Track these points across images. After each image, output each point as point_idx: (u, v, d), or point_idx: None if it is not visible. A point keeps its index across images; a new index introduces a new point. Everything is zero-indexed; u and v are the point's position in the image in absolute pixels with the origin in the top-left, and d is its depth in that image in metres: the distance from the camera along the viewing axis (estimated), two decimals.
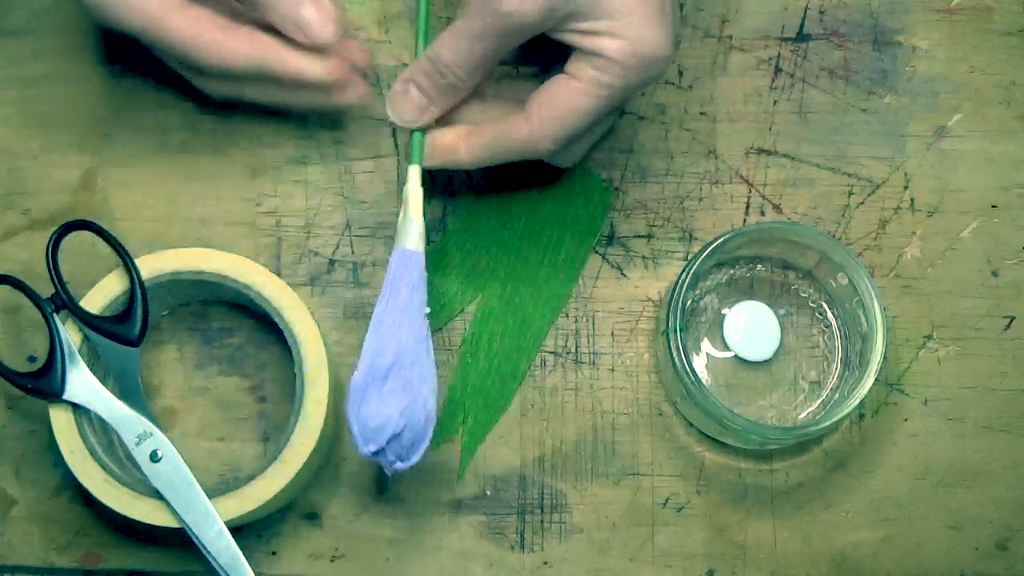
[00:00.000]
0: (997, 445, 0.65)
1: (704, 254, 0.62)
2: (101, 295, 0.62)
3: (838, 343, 0.65)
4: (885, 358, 0.62)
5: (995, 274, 0.67)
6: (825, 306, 0.66)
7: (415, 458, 0.59)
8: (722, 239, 0.62)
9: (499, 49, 0.58)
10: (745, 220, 0.67)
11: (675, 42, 0.59)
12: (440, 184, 0.67)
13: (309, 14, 0.60)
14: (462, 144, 0.61)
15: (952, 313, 0.66)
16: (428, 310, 0.60)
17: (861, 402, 0.61)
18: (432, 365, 0.60)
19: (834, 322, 0.65)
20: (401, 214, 0.61)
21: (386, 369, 0.59)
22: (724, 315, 0.65)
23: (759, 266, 0.66)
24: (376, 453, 0.58)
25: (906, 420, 0.65)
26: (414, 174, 0.62)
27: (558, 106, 0.59)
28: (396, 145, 0.67)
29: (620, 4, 0.57)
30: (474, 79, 0.60)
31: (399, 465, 0.59)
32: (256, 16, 0.61)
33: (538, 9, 0.56)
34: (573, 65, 0.59)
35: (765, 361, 0.65)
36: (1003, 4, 0.69)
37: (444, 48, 0.59)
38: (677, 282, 0.62)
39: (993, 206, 0.67)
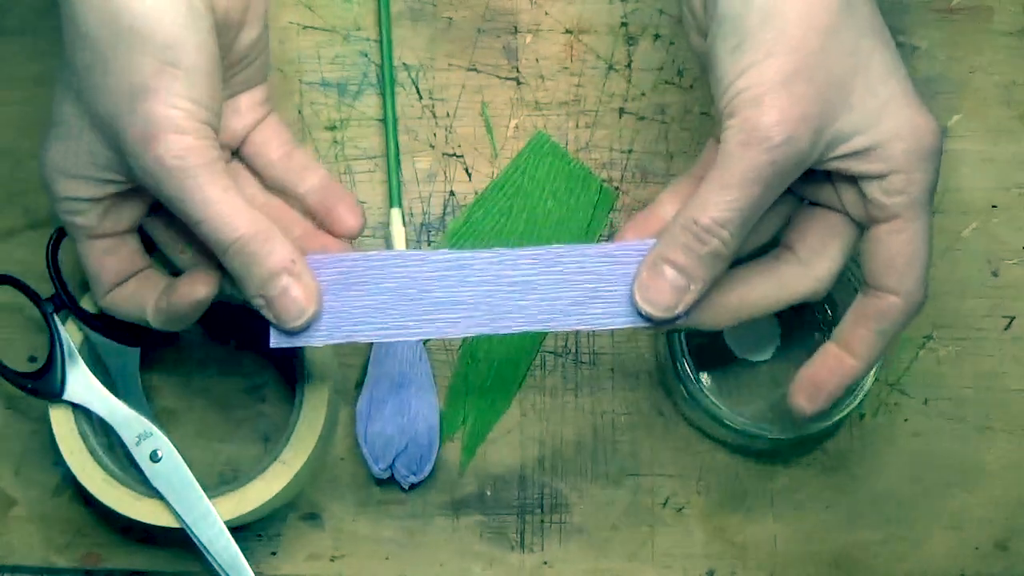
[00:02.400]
0: (997, 445, 0.65)
1: None
2: None
3: None
4: (885, 358, 0.62)
5: (995, 274, 0.67)
6: (825, 306, 0.66)
7: (426, 470, 0.63)
8: None
9: (770, 194, 0.48)
10: None
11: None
12: (440, 185, 0.67)
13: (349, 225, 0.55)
14: None
15: (952, 313, 0.66)
16: None
17: (861, 402, 0.61)
18: (431, 385, 0.64)
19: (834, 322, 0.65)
20: None
21: (385, 393, 0.63)
22: None
23: None
24: (388, 470, 0.63)
25: (906, 420, 0.65)
26: (396, 216, 0.65)
27: (899, 253, 0.50)
28: (389, 150, 0.67)
29: (877, 102, 0.48)
30: (741, 240, 0.49)
31: (412, 479, 0.63)
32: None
33: (809, 133, 0.47)
34: (852, 205, 0.51)
35: (765, 361, 0.65)
36: (1003, 4, 0.69)
37: (702, 207, 0.48)
38: None
39: (993, 206, 0.67)
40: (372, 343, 0.64)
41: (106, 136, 0.51)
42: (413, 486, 0.64)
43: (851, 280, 0.63)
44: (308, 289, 0.51)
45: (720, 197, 0.47)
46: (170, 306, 0.54)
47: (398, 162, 0.67)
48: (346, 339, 0.52)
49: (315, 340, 0.52)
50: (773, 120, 0.46)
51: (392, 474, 0.63)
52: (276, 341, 0.53)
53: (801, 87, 0.46)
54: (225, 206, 0.50)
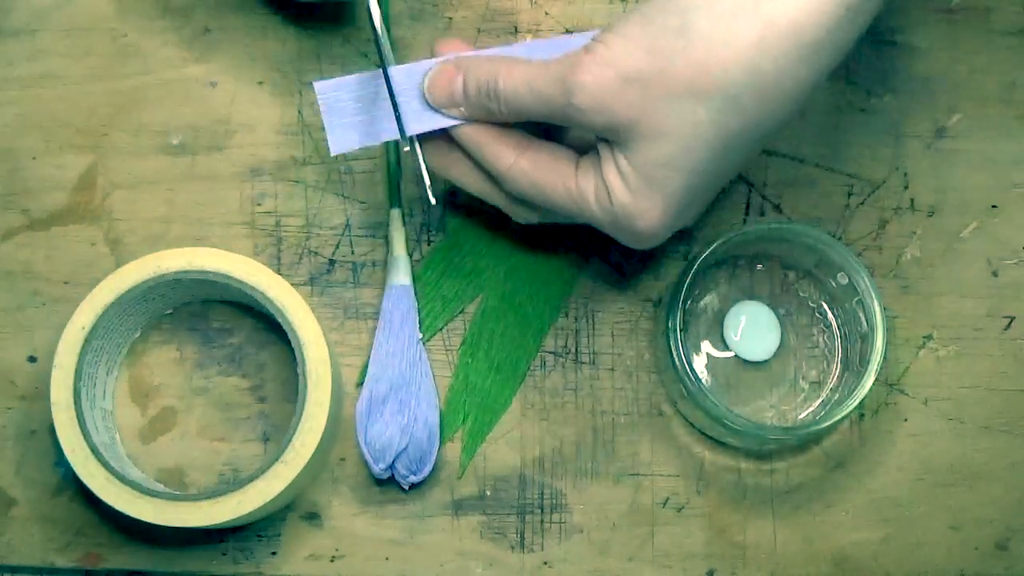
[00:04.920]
0: (997, 445, 0.65)
1: (704, 254, 0.62)
2: (101, 297, 0.62)
3: (838, 343, 0.65)
4: (885, 358, 0.62)
5: (995, 274, 0.67)
6: (825, 306, 0.66)
7: (426, 471, 0.64)
8: (722, 239, 0.62)
9: (547, 116, 0.57)
10: (745, 220, 0.67)
11: (679, 222, 0.58)
12: (440, 185, 0.67)
13: None
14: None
15: (952, 313, 0.66)
16: (421, 335, 0.65)
17: (861, 402, 0.61)
18: (431, 384, 0.65)
19: (834, 322, 0.66)
20: (388, 253, 0.65)
21: (385, 393, 0.64)
22: (724, 315, 0.65)
23: (759, 266, 0.66)
24: (388, 470, 0.63)
25: (906, 420, 0.65)
26: (395, 216, 0.66)
27: (544, 174, 0.58)
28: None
29: (653, 169, 0.55)
30: (510, 118, 0.58)
31: (412, 479, 0.63)
32: None
33: (600, 114, 0.54)
34: (586, 165, 0.57)
35: (765, 361, 0.65)
36: (1003, 4, 0.69)
37: (506, 76, 0.57)
38: (677, 282, 0.62)
39: (993, 206, 0.67)
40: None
41: None
42: (413, 486, 0.64)
43: (856, 291, 0.63)
44: None
45: (517, 83, 0.56)
46: None
47: (398, 162, 0.67)
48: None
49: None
50: (581, 82, 0.54)
51: (392, 474, 0.63)
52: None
53: (624, 89, 0.54)
54: None
